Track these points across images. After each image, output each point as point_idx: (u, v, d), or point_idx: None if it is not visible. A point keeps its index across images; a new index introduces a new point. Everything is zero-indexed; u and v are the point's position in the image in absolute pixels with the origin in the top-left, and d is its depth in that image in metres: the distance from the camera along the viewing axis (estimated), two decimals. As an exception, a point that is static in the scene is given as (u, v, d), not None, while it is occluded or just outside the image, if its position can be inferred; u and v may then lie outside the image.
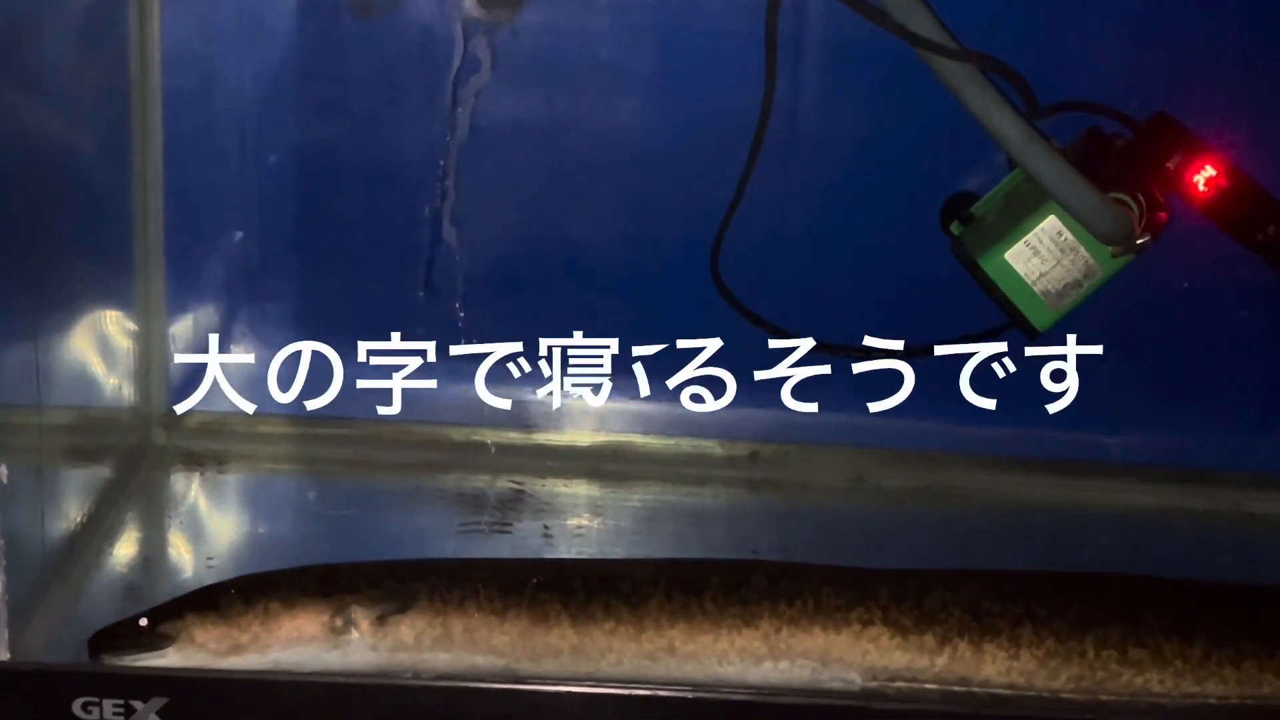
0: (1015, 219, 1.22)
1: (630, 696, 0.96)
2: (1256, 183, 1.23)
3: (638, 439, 1.35)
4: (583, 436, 1.35)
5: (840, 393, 1.33)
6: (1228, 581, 1.09)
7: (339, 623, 0.98)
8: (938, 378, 1.31)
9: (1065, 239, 1.21)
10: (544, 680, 0.97)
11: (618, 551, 1.22)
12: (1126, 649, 0.99)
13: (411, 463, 1.33)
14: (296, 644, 0.97)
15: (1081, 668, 0.99)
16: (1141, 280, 1.25)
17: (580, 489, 1.32)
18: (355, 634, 0.98)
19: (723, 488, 1.34)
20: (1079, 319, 1.24)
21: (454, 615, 0.99)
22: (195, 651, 0.96)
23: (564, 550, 1.21)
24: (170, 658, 0.96)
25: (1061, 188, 1.14)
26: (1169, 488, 1.33)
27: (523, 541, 1.23)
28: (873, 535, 1.29)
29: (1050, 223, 1.20)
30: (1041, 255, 1.21)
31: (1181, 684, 0.99)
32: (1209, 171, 1.22)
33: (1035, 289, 1.22)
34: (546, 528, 1.25)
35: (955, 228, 1.27)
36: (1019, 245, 1.21)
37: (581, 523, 1.27)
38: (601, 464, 1.34)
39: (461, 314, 1.26)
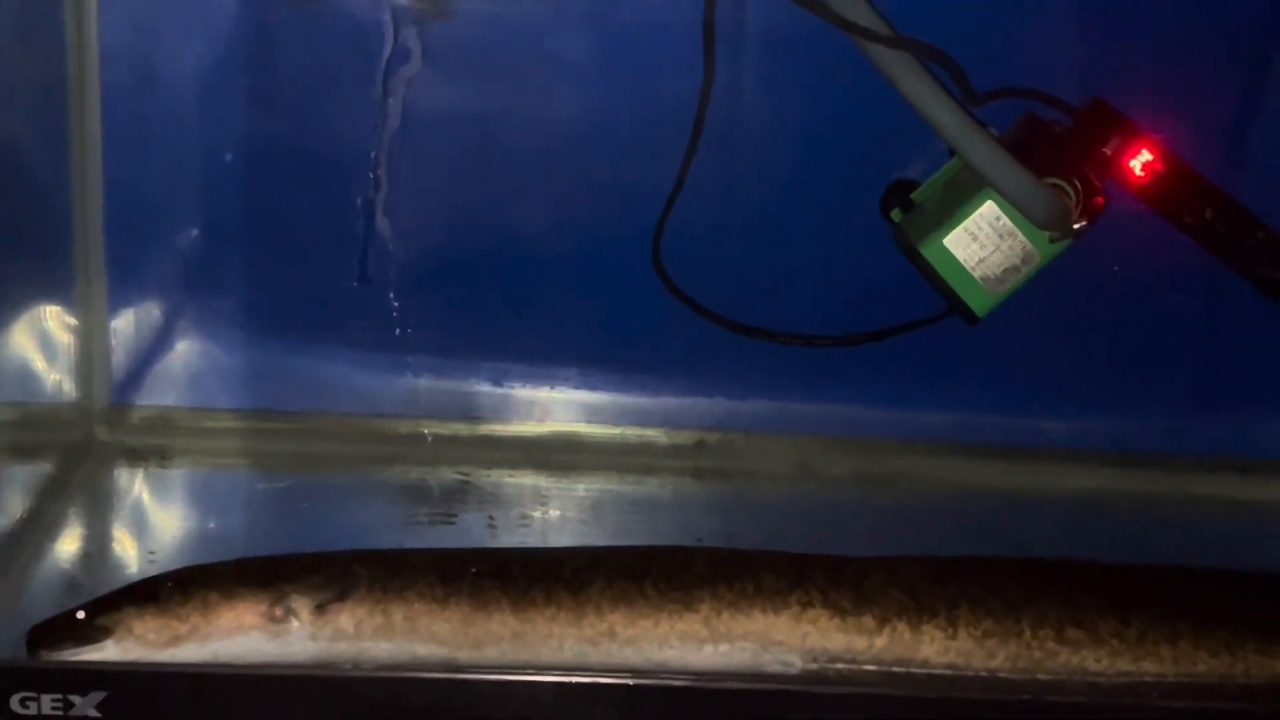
0: (954, 205, 1.23)
1: (570, 684, 0.96)
2: (1193, 167, 1.24)
3: (583, 429, 1.35)
4: (528, 427, 1.34)
5: (785, 381, 1.34)
6: (1165, 563, 1.09)
7: (278, 612, 0.97)
8: (881, 365, 1.32)
9: (1003, 224, 1.21)
10: (484, 670, 0.97)
11: (563, 542, 1.22)
12: (1063, 628, 1.00)
13: (356, 456, 1.32)
14: (236, 634, 0.97)
15: (1019, 647, 0.99)
16: (1079, 265, 1.26)
17: (526, 479, 1.32)
18: (295, 623, 0.98)
19: (669, 477, 1.34)
20: (1018, 304, 1.24)
21: (394, 603, 0.99)
22: (133, 644, 0.96)
23: (509, 541, 1.21)
24: (108, 650, 0.96)
25: (997, 173, 1.14)
26: (1110, 472, 1.34)
27: (467, 533, 1.23)
28: (819, 523, 1.29)
29: (988, 209, 1.21)
30: (980, 241, 1.22)
31: (1118, 663, 1.00)
32: (1145, 156, 1.23)
33: (974, 275, 1.23)
34: (492, 518, 1.25)
35: (896, 215, 1.27)
36: (958, 231, 1.22)
37: (527, 513, 1.27)
38: (548, 454, 1.33)
39: (396, 304, 1.25)
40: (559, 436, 1.35)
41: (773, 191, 1.30)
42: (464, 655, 0.99)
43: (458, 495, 1.28)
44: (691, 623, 0.99)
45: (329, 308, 1.26)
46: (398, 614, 0.99)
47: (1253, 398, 1.34)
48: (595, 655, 0.99)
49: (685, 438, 1.37)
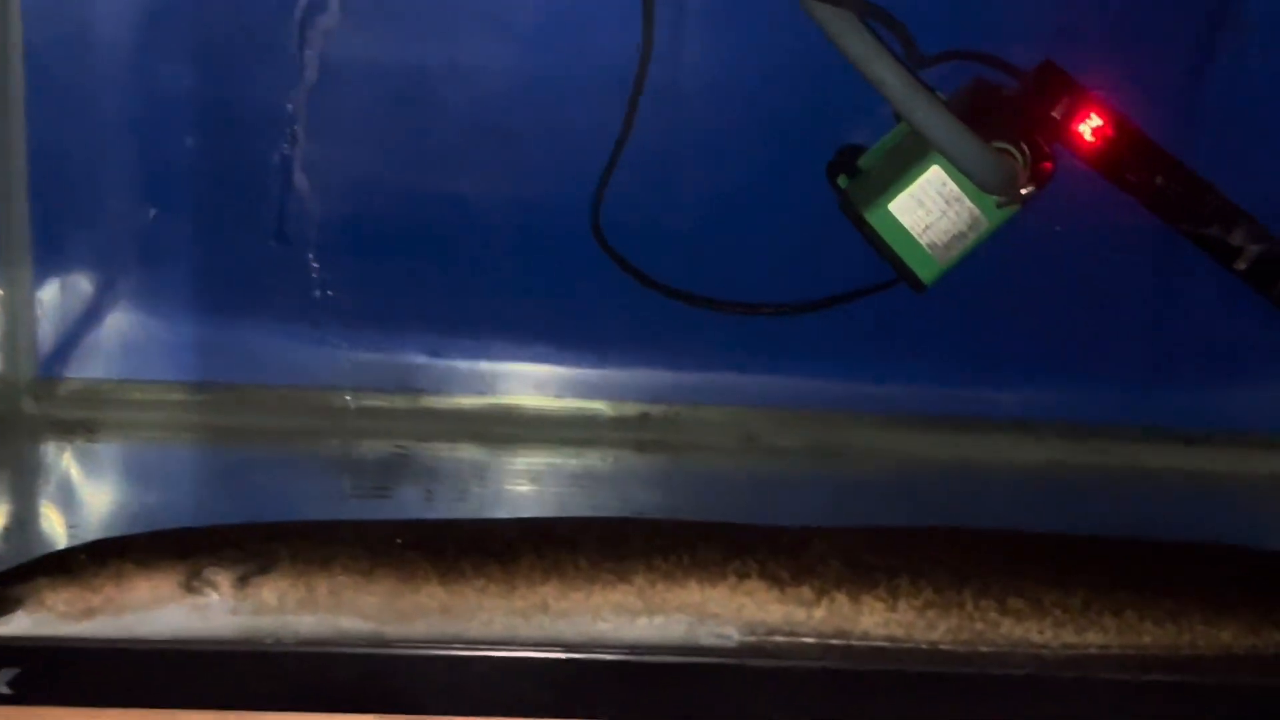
0: (900, 171, 1.20)
1: (499, 659, 0.93)
2: (1143, 132, 1.22)
3: (524, 401, 1.32)
4: (468, 400, 1.31)
5: (729, 351, 1.31)
6: (1112, 535, 1.07)
7: (196, 584, 0.94)
8: (827, 334, 1.30)
9: (950, 190, 1.19)
10: (410, 644, 0.94)
11: (502, 515, 1.19)
12: (1006, 599, 0.97)
13: (288, 429, 1.29)
14: (152, 606, 0.93)
15: (960, 619, 0.97)
16: (1028, 232, 1.24)
17: (465, 453, 1.29)
18: (214, 596, 0.94)
19: (611, 450, 1.31)
20: (966, 272, 1.22)
21: (318, 576, 0.95)
22: (45, 615, 0.92)
23: (447, 515, 1.18)
24: (19, 622, 0.92)
25: (943, 138, 1.12)
26: (1060, 443, 1.32)
27: (403, 507, 1.20)
28: (763, 496, 1.27)
29: (934, 173, 1.19)
30: (926, 207, 1.19)
31: (1062, 634, 0.97)
32: (1095, 121, 1.21)
33: (921, 241, 1.20)
34: (430, 492, 1.22)
35: (842, 181, 1.25)
36: (903, 197, 1.19)
37: (466, 487, 1.24)
38: (488, 427, 1.30)
39: (316, 265, 1.22)
40: (498, 409, 1.31)
41: (716, 157, 1.27)
42: (391, 629, 0.96)
43: (394, 468, 1.25)
44: (626, 594, 0.96)
45: (253, 273, 1.23)
46: (321, 587, 0.95)
47: (1203, 369, 1.32)
48: (526, 629, 0.96)
49: (629, 410, 1.34)
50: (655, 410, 1.34)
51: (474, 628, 0.96)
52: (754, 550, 0.97)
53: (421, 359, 1.25)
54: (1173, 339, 1.31)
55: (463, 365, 1.31)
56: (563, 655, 0.94)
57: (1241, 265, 1.24)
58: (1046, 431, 1.32)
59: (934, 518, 1.20)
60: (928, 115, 1.12)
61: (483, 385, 1.31)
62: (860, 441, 1.32)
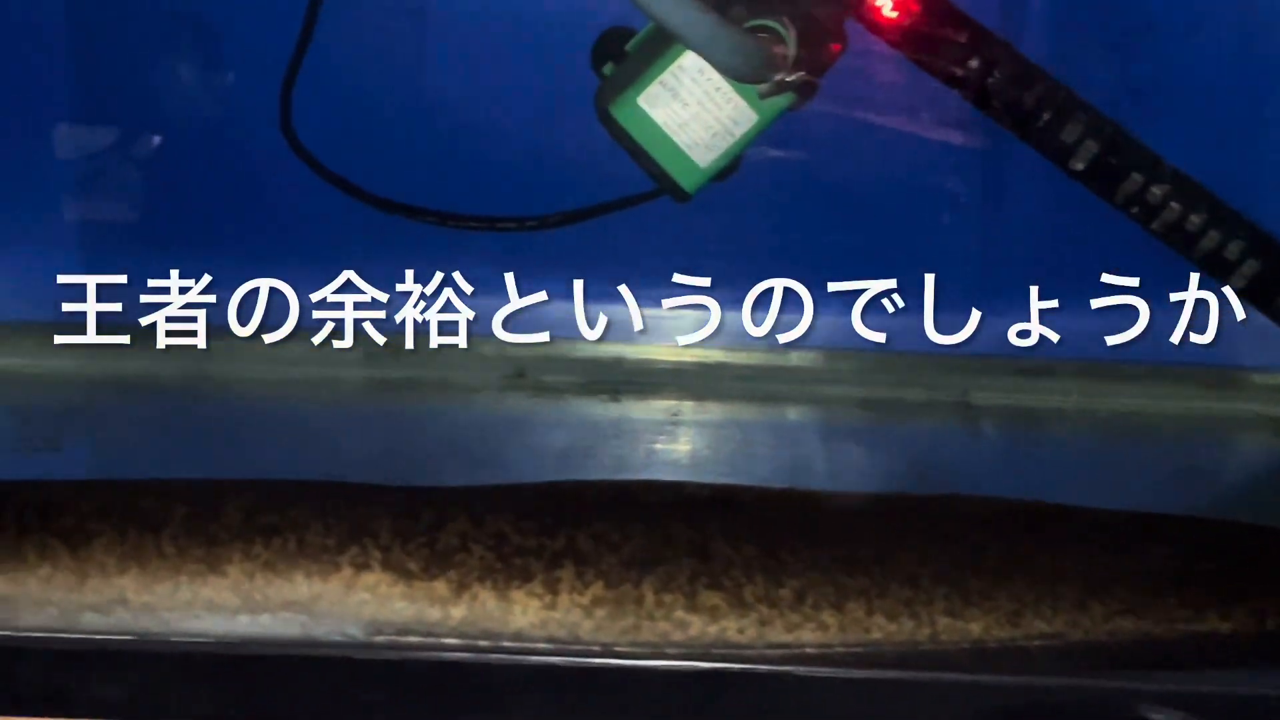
0: (653, 56, 1.00)
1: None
2: (956, 6, 1.00)
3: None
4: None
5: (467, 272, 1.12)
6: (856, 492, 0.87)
7: None
8: (581, 253, 1.10)
9: (709, 78, 0.99)
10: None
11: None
12: (696, 592, 0.78)
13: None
14: None
15: (638, 617, 0.78)
16: (817, 128, 1.03)
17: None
18: None
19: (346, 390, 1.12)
20: (741, 178, 1.01)
21: None
22: None
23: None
24: None
25: (662, 6, 0.90)
26: (876, 375, 1.12)
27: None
28: (528, 441, 1.08)
29: (690, 59, 0.99)
30: (682, 99, 0.99)
31: (767, 633, 0.78)
32: (896, -10, 1.00)
33: (678, 140, 1.00)
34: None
35: (608, 69, 1.04)
36: (654, 87, 1.00)
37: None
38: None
39: None
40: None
41: (450, 38, 1.06)
42: (-63, 628, 0.78)
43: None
44: (218, 589, 0.78)
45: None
46: None
47: (1040, 285, 1.10)
48: (103, 624, 0.78)
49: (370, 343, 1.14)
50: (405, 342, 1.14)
51: (40, 622, 0.78)
52: (376, 533, 0.78)
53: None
54: (999, 255, 1.10)
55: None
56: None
57: (1079, 165, 1.03)
58: (855, 362, 1.12)
59: (711, 470, 1.02)
60: (644, -21, 0.90)
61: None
62: (637, 377, 1.12)
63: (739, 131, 1.00)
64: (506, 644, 0.78)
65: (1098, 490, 0.98)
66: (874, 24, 1.01)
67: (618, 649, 0.78)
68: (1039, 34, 1.04)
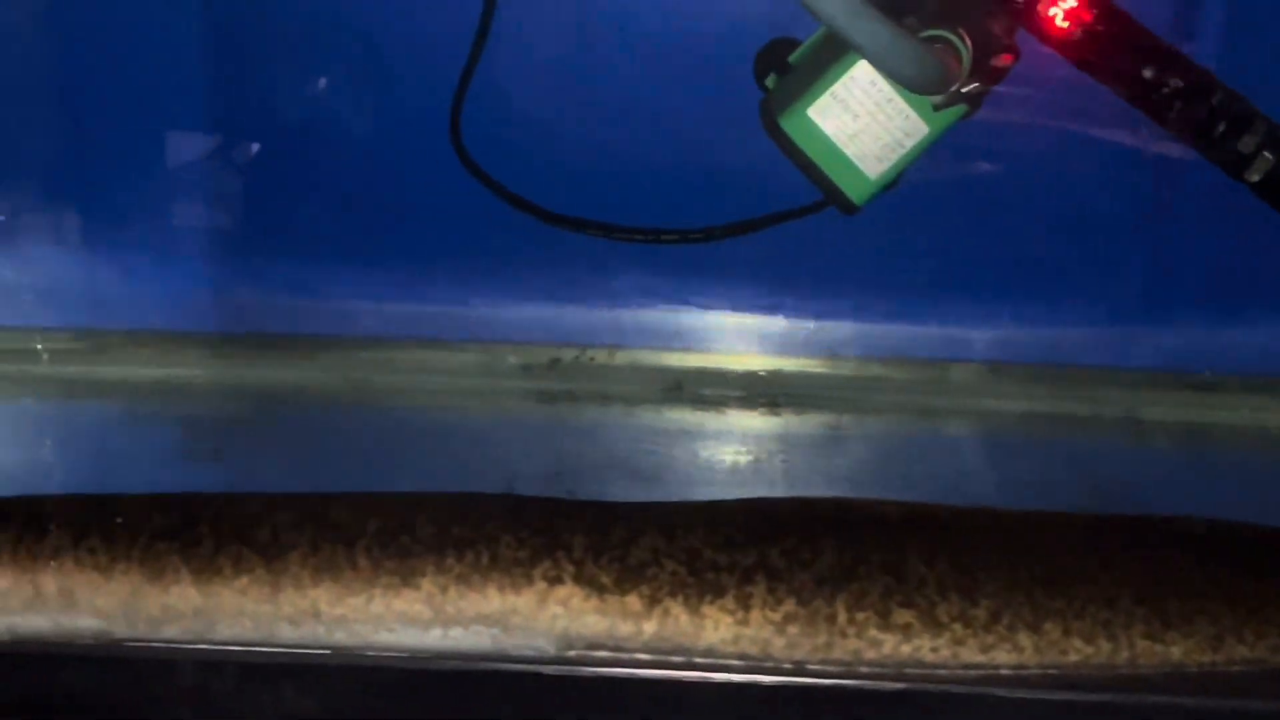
0: (821, 68, 0.99)
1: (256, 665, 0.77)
2: (1130, 15, 0.99)
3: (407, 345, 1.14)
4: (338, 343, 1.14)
5: (640, 285, 1.12)
6: (1046, 512, 0.85)
7: (-107, 582, 0.78)
8: (747, 265, 1.09)
9: (880, 90, 0.98)
10: (151, 641, 0.77)
11: (349, 484, 1.00)
12: (889, 611, 0.77)
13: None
14: None
15: (830, 635, 0.77)
16: (987, 139, 1.02)
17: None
18: (-84, 596, 0.78)
19: (511, 401, 1.13)
20: (908, 189, 1.00)
21: (44, 572, 0.79)
22: None
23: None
24: None
25: (842, 20, 0.90)
26: (1037, 390, 1.10)
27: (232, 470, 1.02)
28: (673, 455, 1.08)
29: (861, 70, 0.98)
30: (853, 111, 0.98)
31: (961, 653, 0.77)
32: (1068, 3, 0.99)
33: (847, 152, 0.99)
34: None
35: (771, 82, 1.04)
36: (825, 98, 0.99)
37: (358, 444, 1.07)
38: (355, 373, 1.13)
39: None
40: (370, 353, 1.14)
41: (613, 54, 1.07)
42: (136, 633, 0.79)
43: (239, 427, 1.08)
44: (411, 602, 0.78)
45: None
46: (50, 585, 0.79)
47: (1210, 300, 1.09)
48: (296, 637, 0.79)
49: (536, 355, 1.14)
50: (566, 355, 1.14)
51: (235, 634, 0.79)
52: (569, 548, 0.78)
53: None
54: (1170, 267, 1.09)
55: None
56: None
57: (1254, 176, 1.01)
58: (1020, 376, 1.10)
59: (875, 484, 1.01)
60: (818, -8, 0.89)
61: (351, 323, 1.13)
62: (793, 390, 1.11)
63: (910, 144, 0.99)
64: (698, 660, 0.78)
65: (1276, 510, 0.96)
66: (1046, 34, 0.99)
67: (809, 666, 0.78)
68: (1214, 42, 1.02)
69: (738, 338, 1.14)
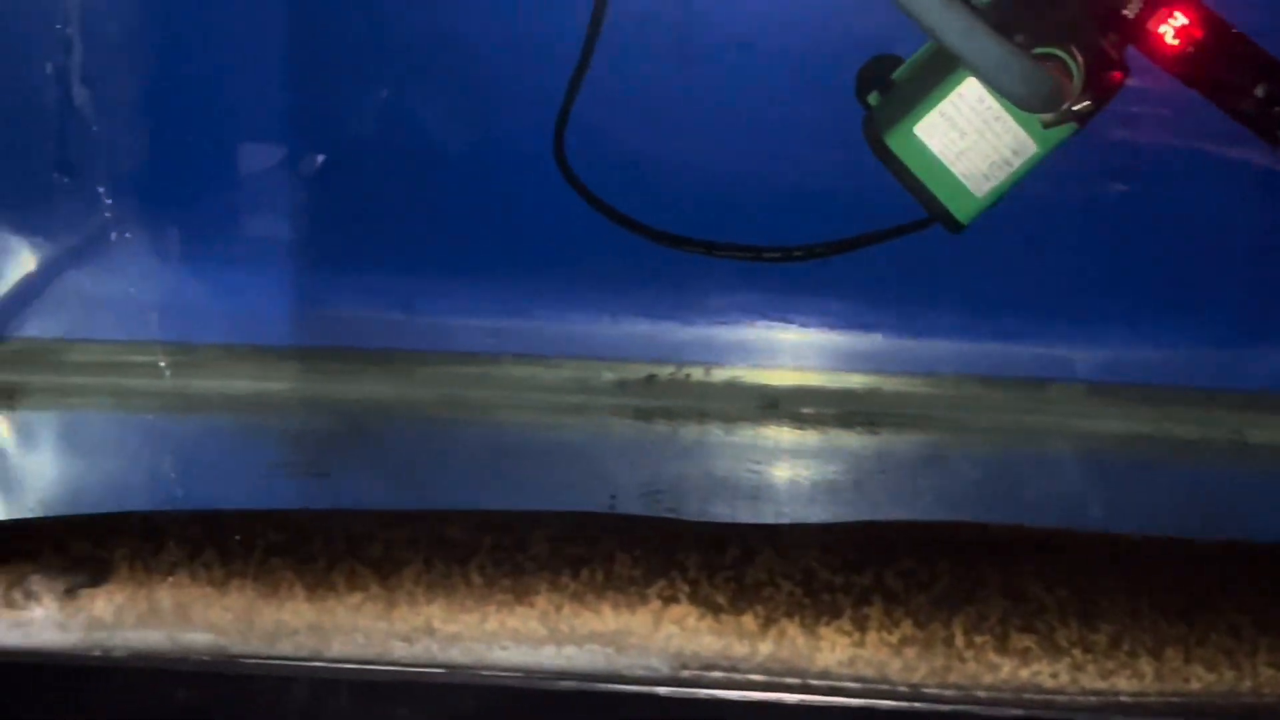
0: (929, 85, 0.99)
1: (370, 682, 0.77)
2: (1241, 33, 0.97)
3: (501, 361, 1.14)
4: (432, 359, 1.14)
5: (741, 303, 1.12)
6: (1172, 537, 0.84)
7: (16, 596, 0.79)
8: (850, 283, 1.09)
9: (989, 107, 0.97)
10: (262, 659, 0.77)
11: (442, 500, 1.00)
12: (1007, 635, 0.76)
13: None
14: (-40, 621, 0.78)
15: (947, 658, 0.76)
16: (1095, 158, 1.01)
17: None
18: (39, 610, 0.79)
19: (604, 419, 1.12)
20: (1014, 207, 0.99)
21: (161, 588, 0.79)
22: None
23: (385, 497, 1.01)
24: None
25: (955, 38, 0.89)
26: (1144, 412, 1.09)
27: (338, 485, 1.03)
28: (773, 476, 1.07)
29: (969, 87, 0.97)
30: (960, 129, 0.97)
31: (1081, 679, 0.76)
32: (1180, 20, 0.98)
33: (954, 170, 0.98)
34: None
35: (874, 99, 1.03)
36: (932, 116, 0.98)
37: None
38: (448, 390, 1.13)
39: (109, 202, 1.03)
40: (467, 368, 1.14)
41: (717, 72, 1.06)
42: (250, 648, 0.79)
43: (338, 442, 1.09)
44: (525, 619, 0.78)
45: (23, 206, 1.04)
46: (165, 600, 0.79)
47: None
48: (409, 654, 0.79)
49: (631, 371, 1.14)
50: (662, 372, 1.14)
51: (348, 649, 0.80)
52: (684, 567, 0.78)
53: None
54: (1276, 288, 1.07)
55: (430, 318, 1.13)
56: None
57: (1369, 196, 0.99)
58: (1127, 398, 1.09)
59: (978, 505, 1.00)
60: (933, 8, 0.89)
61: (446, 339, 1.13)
62: (893, 410, 1.11)
63: (1018, 162, 0.98)
64: (813, 683, 0.77)
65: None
66: (1156, 52, 0.98)
67: (926, 690, 0.77)
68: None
69: (835, 356, 1.13)
